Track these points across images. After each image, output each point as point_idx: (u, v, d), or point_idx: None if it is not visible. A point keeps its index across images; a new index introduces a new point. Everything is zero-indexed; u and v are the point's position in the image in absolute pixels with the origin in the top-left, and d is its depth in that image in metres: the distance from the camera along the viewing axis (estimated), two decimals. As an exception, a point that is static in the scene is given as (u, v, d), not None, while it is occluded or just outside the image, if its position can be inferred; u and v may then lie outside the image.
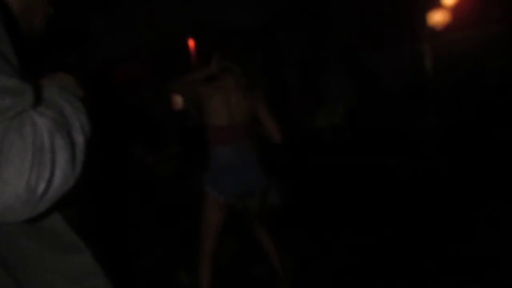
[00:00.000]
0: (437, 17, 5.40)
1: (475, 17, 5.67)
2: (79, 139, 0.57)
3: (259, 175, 2.37)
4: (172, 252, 3.08)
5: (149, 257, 3.07)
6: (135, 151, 3.34)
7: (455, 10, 5.53)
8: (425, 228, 3.32)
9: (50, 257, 0.65)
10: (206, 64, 2.42)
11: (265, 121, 2.43)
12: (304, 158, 5.53)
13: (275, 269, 2.57)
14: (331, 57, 7.08)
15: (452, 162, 4.62)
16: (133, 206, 3.18)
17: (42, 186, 0.53)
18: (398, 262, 2.88)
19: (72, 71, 0.66)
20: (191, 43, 8.54)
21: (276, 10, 7.05)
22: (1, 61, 0.52)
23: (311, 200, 4.24)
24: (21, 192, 0.51)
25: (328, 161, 5.32)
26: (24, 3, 0.67)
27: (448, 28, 5.53)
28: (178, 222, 3.32)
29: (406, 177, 4.54)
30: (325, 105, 6.50)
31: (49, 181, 0.53)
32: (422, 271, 2.72)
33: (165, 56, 7.39)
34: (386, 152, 5.20)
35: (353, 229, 3.48)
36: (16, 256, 0.61)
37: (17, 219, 0.54)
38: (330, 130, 6.22)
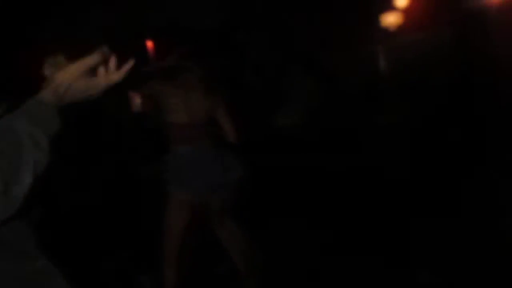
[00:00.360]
0: (390, 19, 5.58)
1: (426, 19, 5.90)
2: (26, 179, 0.57)
3: (222, 172, 2.36)
4: (136, 255, 3.03)
5: (112, 260, 3.01)
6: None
7: (407, 12, 5.73)
8: (377, 224, 3.43)
9: (2, 264, 0.65)
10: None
11: (222, 122, 2.44)
12: (264, 157, 5.56)
13: (237, 267, 2.56)
14: (291, 57, 7.16)
15: (400, 160, 4.79)
16: (98, 208, 3.12)
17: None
18: (352, 257, 2.97)
19: None
20: (149, 44, 8.41)
21: (235, 10, 7.06)
22: None
23: (271, 200, 4.28)
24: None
25: (289, 160, 5.38)
26: None
27: (401, 30, 5.72)
28: (141, 224, 3.27)
29: (361, 175, 4.66)
30: (286, 105, 6.56)
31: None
32: (374, 264, 2.81)
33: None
34: (341, 151, 5.33)
35: (311, 228, 3.55)
36: None
37: None
38: (291, 129, 6.29)
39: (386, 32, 5.54)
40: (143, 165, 3.59)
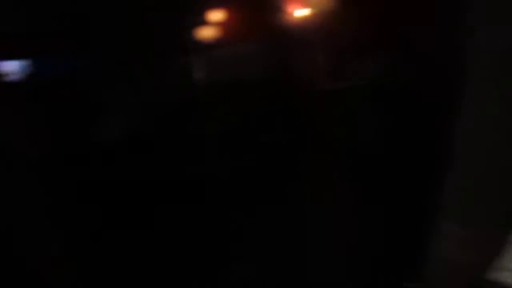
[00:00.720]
0: (205, 32, 5.77)
1: (238, 34, 6.23)
2: None
3: None
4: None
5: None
6: None
7: (221, 26, 5.98)
8: None
9: None
10: None
11: None
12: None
13: None
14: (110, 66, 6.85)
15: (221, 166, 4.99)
16: None
17: None
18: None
19: None
20: None
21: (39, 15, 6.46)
22: None
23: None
24: None
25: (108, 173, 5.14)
26: None
27: (216, 43, 5.95)
28: None
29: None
30: (105, 117, 6.26)
31: None
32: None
33: None
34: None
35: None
36: None
37: None
38: (112, 142, 6.03)
39: (201, 44, 5.70)
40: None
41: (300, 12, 5.90)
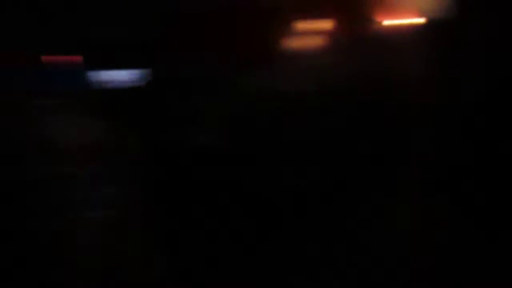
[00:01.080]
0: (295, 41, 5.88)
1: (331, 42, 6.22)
2: None
3: None
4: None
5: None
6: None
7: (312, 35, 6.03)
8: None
9: None
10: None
11: None
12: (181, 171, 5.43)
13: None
14: (208, 76, 7.20)
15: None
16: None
17: None
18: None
19: None
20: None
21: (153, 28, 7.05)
22: None
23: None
24: None
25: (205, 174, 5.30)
26: None
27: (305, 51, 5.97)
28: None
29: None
30: (202, 123, 6.44)
31: None
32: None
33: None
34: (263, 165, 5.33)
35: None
36: None
37: None
38: (208, 147, 6.15)
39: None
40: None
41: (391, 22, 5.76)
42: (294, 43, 5.56)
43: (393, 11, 5.60)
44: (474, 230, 3.31)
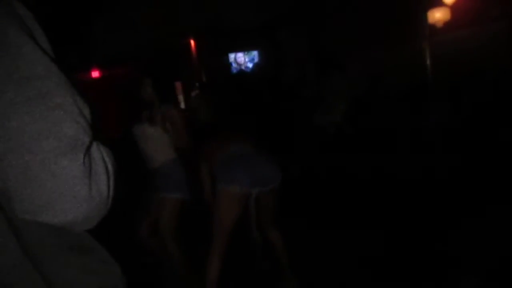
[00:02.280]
0: (438, 15, 5.39)
1: (474, 15, 5.67)
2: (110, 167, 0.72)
3: (271, 167, 2.45)
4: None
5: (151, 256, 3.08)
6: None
7: (454, 8, 5.52)
8: (419, 227, 3.34)
9: (75, 255, 0.72)
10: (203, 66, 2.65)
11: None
12: (302, 156, 5.53)
13: (282, 264, 2.65)
14: (330, 56, 7.10)
15: (450, 162, 4.62)
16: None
17: (109, 195, 0.69)
18: (396, 258, 2.93)
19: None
20: (192, 42, 8.59)
21: (276, 9, 7.08)
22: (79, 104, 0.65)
23: (310, 199, 4.28)
24: (102, 203, 0.67)
25: (327, 160, 5.32)
26: None
27: (448, 26, 5.53)
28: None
29: (403, 177, 4.53)
30: (324, 103, 6.50)
31: (109, 191, 0.69)
32: (417, 268, 2.76)
33: (166, 56, 7.41)
34: (385, 151, 5.19)
35: (351, 227, 3.51)
36: (42, 253, 0.67)
37: (92, 225, 0.69)
38: (330, 129, 6.22)
39: (433, 28, 5.35)
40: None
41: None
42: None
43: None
44: None
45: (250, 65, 9.23)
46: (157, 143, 2.70)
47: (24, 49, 0.62)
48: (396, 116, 5.65)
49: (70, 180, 0.61)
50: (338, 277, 2.80)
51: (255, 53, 9.21)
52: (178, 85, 8.65)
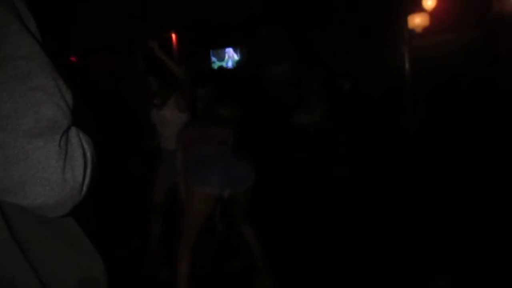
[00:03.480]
0: (417, 20, 5.50)
1: (452, 22, 5.80)
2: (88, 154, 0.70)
3: (244, 169, 2.47)
4: (151, 247, 3.07)
5: (129, 251, 3.06)
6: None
7: (434, 14, 5.64)
8: (392, 224, 3.44)
9: (60, 245, 0.71)
10: (184, 61, 2.66)
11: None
12: (280, 156, 5.58)
13: (256, 262, 2.66)
14: (312, 55, 7.15)
15: (422, 162, 4.74)
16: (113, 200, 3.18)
17: (84, 182, 0.66)
18: (371, 253, 3.01)
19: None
20: (173, 37, 8.51)
21: (259, 7, 7.08)
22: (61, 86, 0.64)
23: (287, 198, 4.33)
24: (76, 189, 0.64)
25: (302, 160, 5.38)
26: None
27: (427, 31, 5.65)
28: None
29: (378, 176, 4.64)
30: (305, 103, 6.56)
31: (85, 178, 0.66)
32: (391, 263, 2.84)
33: (145, 49, 7.30)
34: (363, 151, 5.29)
35: (326, 224, 3.58)
36: (27, 239, 0.67)
37: (64, 212, 0.66)
38: (310, 128, 6.28)
39: (412, 33, 5.47)
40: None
41: None
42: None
43: None
44: None
45: (230, 63, 9.18)
46: (175, 127, 2.86)
47: (10, 28, 0.61)
48: (374, 117, 5.75)
49: (43, 162, 0.59)
50: (313, 275, 2.85)
51: (237, 50, 9.17)
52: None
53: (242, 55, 9.04)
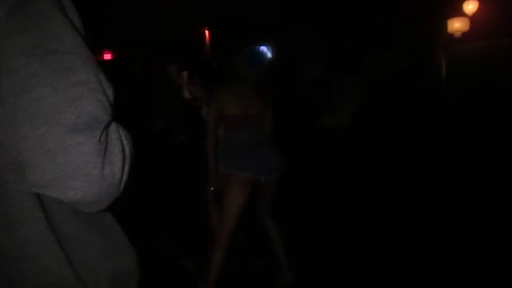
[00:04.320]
0: (457, 25, 5.35)
1: (492, 28, 5.63)
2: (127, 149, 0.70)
3: (278, 157, 2.50)
4: (175, 240, 3.09)
5: (152, 244, 3.09)
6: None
7: (474, 19, 5.48)
8: (409, 227, 3.40)
9: (95, 237, 0.73)
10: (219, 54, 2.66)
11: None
12: (307, 157, 5.53)
13: (279, 258, 2.66)
14: (345, 57, 7.07)
15: (449, 170, 4.62)
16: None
17: (122, 179, 0.66)
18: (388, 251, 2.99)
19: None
20: (206, 33, 8.56)
21: (290, 5, 7.04)
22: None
23: (311, 198, 4.30)
24: (114, 186, 0.64)
25: (331, 161, 5.33)
26: None
27: (466, 36, 5.49)
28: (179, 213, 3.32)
29: (402, 179, 4.55)
30: (334, 105, 6.49)
31: (123, 175, 0.66)
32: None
33: (178, 44, 7.38)
34: (389, 153, 5.19)
35: (348, 226, 3.55)
36: (65, 230, 0.69)
37: (102, 207, 0.67)
38: (338, 130, 6.21)
39: (451, 37, 5.32)
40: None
41: None
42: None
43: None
44: None
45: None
46: None
47: (54, 22, 0.61)
48: (406, 121, 5.63)
49: (83, 157, 0.60)
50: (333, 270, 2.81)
51: (269, 49, 9.14)
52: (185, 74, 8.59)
53: (273, 54, 9.01)
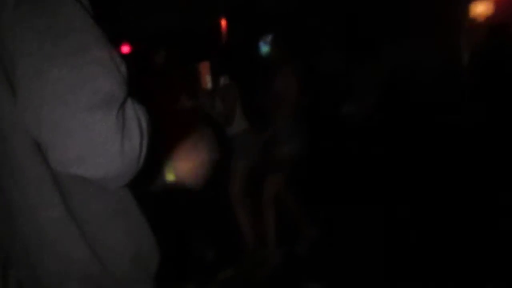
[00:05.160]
0: (480, 9, 5.20)
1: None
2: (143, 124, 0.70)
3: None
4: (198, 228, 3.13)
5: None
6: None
7: (498, 4, 5.32)
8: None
9: (116, 220, 0.74)
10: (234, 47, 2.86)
11: None
12: (325, 143, 5.49)
13: (302, 220, 3.04)
14: (360, 45, 6.98)
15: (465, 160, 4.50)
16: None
17: (141, 153, 0.67)
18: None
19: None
20: (223, 24, 8.54)
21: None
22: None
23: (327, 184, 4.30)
24: (134, 160, 0.65)
25: (351, 149, 5.29)
26: None
27: (489, 21, 5.33)
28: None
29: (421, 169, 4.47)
30: (354, 93, 6.42)
31: (142, 148, 0.67)
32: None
33: (195, 36, 7.38)
34: (407, 142, 5.10)
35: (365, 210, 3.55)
36: (86, 213, 0.71)
37: (125, 182, 0.68)
38: (358, 117, 6.15)
39: (473, 22, 5.16)
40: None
41: None
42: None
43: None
44: None
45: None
46: None
47: (64, 4, 0.63)
48: (425, 109, 5.52)
49: (103, 134, 0.61)
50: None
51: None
52: (206, 65, 8.60)
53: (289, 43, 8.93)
